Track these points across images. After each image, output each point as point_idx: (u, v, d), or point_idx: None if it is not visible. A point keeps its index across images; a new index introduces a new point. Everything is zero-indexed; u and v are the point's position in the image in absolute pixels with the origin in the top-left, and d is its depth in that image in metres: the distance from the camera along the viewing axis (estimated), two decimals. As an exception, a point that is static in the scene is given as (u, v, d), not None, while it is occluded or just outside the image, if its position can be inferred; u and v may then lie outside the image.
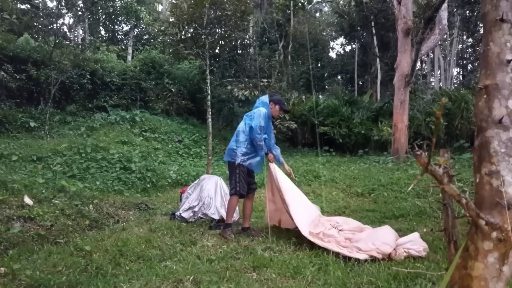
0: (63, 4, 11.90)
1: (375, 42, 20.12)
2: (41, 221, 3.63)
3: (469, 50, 26.82)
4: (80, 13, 13.27)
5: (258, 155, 3.92)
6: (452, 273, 1.21)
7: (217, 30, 10.31)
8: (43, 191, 4.42)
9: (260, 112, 3.84)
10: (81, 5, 12.76)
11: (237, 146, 3.89)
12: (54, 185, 4.88)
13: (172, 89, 13.70)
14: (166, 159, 9.82)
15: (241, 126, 3.98)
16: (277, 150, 4.12)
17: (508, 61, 1.18)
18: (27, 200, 3.94)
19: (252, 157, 3.89)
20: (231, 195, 3.86)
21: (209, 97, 8.71)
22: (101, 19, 20.66)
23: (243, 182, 3.81)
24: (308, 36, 20.29)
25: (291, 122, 11.20)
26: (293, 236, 3.49)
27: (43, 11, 12.31)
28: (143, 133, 11.34)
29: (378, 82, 20.30)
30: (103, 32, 22.94)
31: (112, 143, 9.09)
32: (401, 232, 3.56)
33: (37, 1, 12.83)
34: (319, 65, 22.48)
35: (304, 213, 3.72)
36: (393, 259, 2.82)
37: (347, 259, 2.85)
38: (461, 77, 28.36)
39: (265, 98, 4.05)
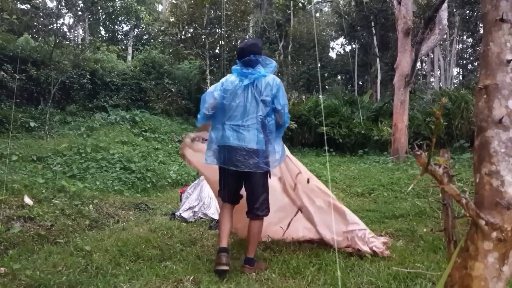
0: (63, 4, 11.91)
1: (375, 42, 20.14)
2: (41, 221, 3.63)
3: (469, 50, 26.84)
4: (80, 13, 13.27)
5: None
6: (452, 273, 1.21)
7: (217, 30, 10.32)
8: (43, 191, 4.43)
9: (281, 84, 2.73)
10: (81, 5, 12.76)
11: (269, 144, 2.65)
12: (54, 185, 4.88)
13: (172, 89, 13.71)
14: (166, 159, 9.82)
15: (258, 108, 2.62)
16: None
17: (508, 61, 1.18)
18: (27, 200, 3.94)
19: None
20: (261, 217, 2.73)
21: (209, 97, 8.71)
22: (101, 19, 20.68)
23: None
24: (308, 36, 20.30)
25: (291, 122, 11.20)
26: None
27: (43, 11, 12.31)
28: (143, 133, 11.35)
29: (378, 82, 20.32)
30: (103, 32, 22.97)
31: (112, 143, 9.09)
32: (401, 232, 3.56)
33: (37, 1, 12.83)
34: (319, 65, 22.49)
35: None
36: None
37: (347, 259, 2.85)
38: (461, 77, 28.38)
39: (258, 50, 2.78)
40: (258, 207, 2.69)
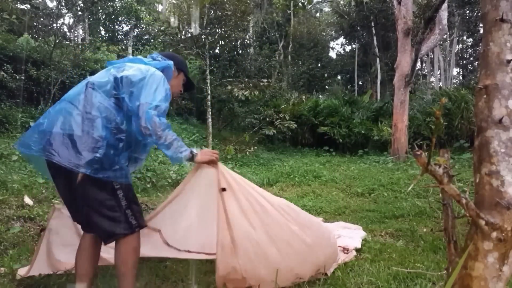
0: (63, 4, 11.90)
1: (375, 42, 20.16)
2: (41, 221, 3.63)
3: (469, 50, 26.86)
4: (80, 13, 13.27)
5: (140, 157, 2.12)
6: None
7: (217, 30, 10.33)
8: (43, 191, 4.43)
9: (159, 78, 1.94)
10: (81, 5, 12.76)
11: (102, 143, 1.78)
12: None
13: (172, 89, 13.70)
14: (166, 159, 9.81)
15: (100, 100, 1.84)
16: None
17: (508, 61, 1.18)
18: (27, 200, 3.94)
19: (133, 161, 2.10)
20: (123, 236, 1.87)
21: (209, 97, 8.73)
22: (101, 19, 20.67)
23: (138, 206, 2.04)
24: (308, 36, 20.32)
25: (291, 122, 11.20)
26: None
27: (43, 11, 12.32)
28: (143, 133, 11.35)
29: (378, 82, 20.35)
30: (103, 32, 22.94)
31: (112, 143, 9.09)
32: (401, 232, 3.56)
33: (37, 1, 12.84)
34: (319, 65, 22.51)
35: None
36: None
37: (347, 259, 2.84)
38: (461, 77, 28.39)
39: (157, 56, 2.13)
40: (96, 231, 1.87)
